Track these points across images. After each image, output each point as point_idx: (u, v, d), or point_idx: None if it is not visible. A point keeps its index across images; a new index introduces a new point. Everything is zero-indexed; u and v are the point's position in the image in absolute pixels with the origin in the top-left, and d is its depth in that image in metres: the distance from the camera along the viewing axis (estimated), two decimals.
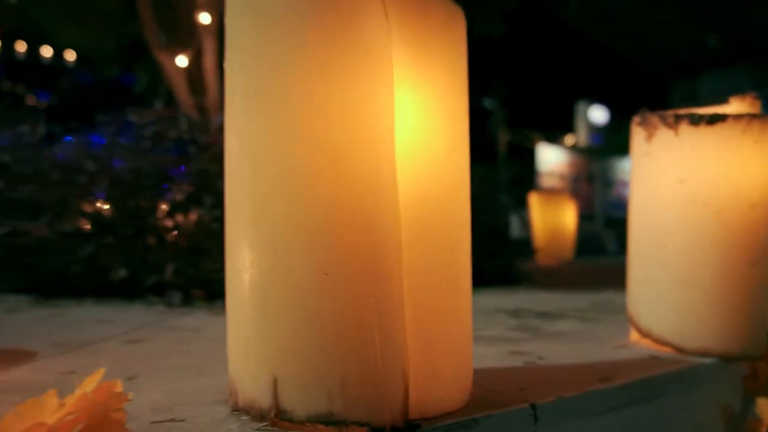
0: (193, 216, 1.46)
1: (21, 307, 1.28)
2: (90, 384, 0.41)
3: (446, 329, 0.55)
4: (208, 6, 2.18)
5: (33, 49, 5.74)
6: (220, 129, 1.61)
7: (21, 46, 5.72)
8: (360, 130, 0.50)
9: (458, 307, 0.57)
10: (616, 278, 1.15)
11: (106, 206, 1.50)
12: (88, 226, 1.45)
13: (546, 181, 8.52)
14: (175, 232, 1.43)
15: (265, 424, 0.50)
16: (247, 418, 0.52)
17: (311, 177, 0.49)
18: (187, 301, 1.37)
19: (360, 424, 0.48)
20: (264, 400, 0.50)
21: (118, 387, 0.43)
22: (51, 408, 0.39)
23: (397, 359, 0.50)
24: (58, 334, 0.94)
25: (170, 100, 2.50)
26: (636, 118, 0.89)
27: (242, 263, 0.52)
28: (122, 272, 1.39)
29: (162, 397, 0.59)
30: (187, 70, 2.41)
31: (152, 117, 1.56)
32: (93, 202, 1.46)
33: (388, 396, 0.49)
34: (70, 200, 1.44)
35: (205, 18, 2.14)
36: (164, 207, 1.45)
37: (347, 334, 0.49)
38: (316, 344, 0.49)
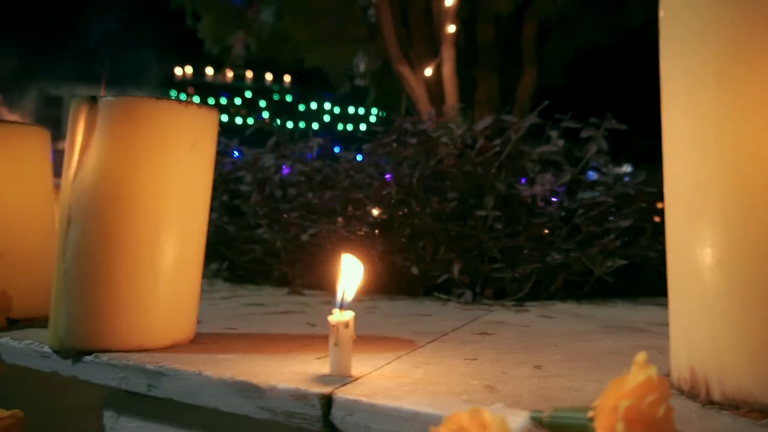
0: (471, 218, 1.50)
1: (331, 300, 1.41)
2: (640, 367, 0.42)
3: None
4: (450, 17, 2.25)
5: (259, 76, 6.45)
6: (482, 133, 1.65)
7: (248, 74, 6.46)
8: None
9: None
10: None
11: (379, 210, 1.60)
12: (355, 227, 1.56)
13: None
14: (454, 233, 1.48)
15: None
16: (728, 412, 0.50)
17: None
18: (475, 298, 1.41)
19: None
20: (765, 396, 0.48)
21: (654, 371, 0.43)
22: (624, 386, 0.40)
23: None
24: (408, 325, 1.00)
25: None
26: None
27: (715, 257, 0.51)
28: (414, 270, 1.47)
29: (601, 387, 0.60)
30: (425, 80, 2.51)
31: (426, 124, 1.63)
32: (378, 206, 1.56)
33: None
34: (361, 204, 1.56)
35: (451, 28, 2.21)
36: (446, 209, 1.51)
37: None
38: None
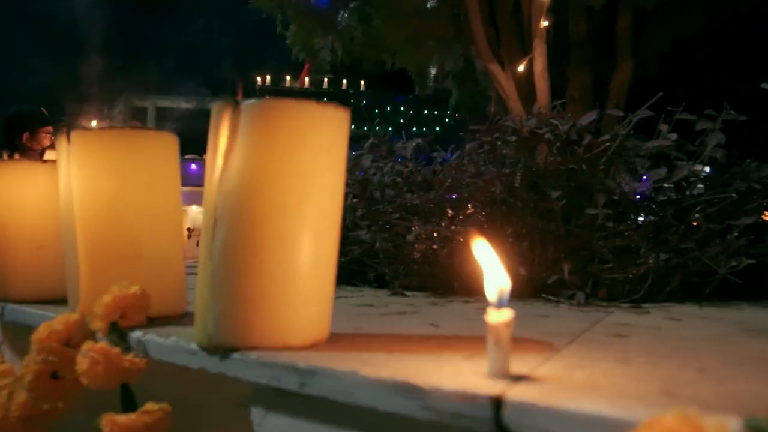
0: (578, 217, 1.45)
1: (440, 302, 1.40)
2: None
3: None
4: (544, 11, 2.20)
5: (336, 80, 6.55)
6: (586, 129, 1.59)
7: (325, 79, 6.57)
8: None
9: None
10: None
11: (481, 210, 1.58)
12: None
13: None
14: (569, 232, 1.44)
15: None
16: None
17: None
18: (587, 300, 1.36)
19: None
20: None
21: None
22: None
23: None
24: (532, 327, 0.98)
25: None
26: None
27: None
28: (521, 271, 1.43)
29: None
30: (515, 77, 2.46)
31: (531, 121, 1.59)
32: (482, 206, 1.54)
33: None
34: (463, 204, 1.54)
35: (544, 23, 2.16)
36: (555, 208, 1.47)
37: None
38: None
